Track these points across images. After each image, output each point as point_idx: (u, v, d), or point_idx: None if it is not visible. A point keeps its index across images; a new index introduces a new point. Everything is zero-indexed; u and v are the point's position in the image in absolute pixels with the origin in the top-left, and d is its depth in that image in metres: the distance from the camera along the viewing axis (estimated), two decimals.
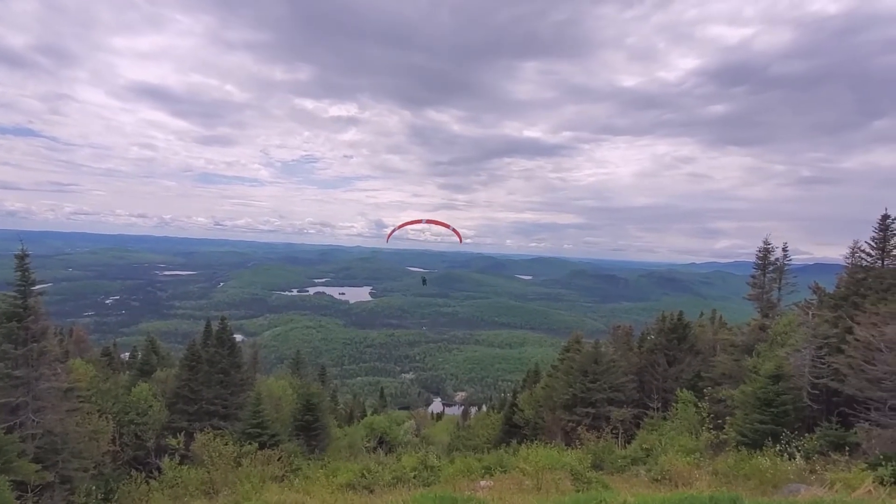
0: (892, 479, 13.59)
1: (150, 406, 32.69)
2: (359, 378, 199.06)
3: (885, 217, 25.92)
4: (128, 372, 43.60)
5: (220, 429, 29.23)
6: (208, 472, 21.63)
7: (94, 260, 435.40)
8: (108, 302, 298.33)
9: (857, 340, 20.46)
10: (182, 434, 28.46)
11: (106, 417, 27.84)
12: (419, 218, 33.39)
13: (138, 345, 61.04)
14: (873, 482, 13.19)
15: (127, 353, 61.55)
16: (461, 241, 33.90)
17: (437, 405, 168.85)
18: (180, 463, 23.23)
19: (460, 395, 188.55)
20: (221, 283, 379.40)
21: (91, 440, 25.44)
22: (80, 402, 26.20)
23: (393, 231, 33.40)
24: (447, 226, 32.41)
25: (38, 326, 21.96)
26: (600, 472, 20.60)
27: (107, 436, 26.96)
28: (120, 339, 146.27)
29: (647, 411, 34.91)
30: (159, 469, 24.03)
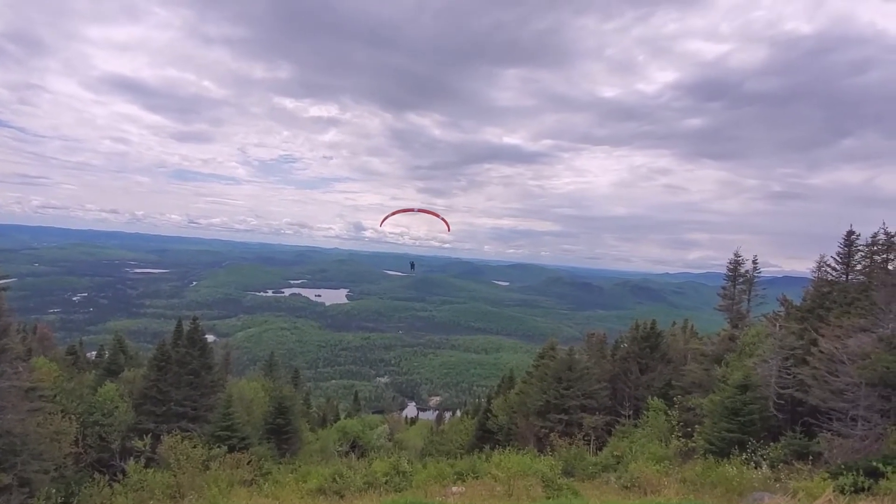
0: (852, 488, 13.99)
1: (117, 407, 31.86)
2: (333, 381, 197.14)
3: (850, 233, 26.83)
4: (94, 371, 42.50)
5: (188, 431, 28.65)
6: (175, 476, 21.16)
7: (61, 255, 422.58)
8: (75, 299, 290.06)
9: (822, 352, 21.03)
10: (149, 436, 27.81)
11: (69, 418, 27.00)
12: (411, 207, 34.71)
13: (105, 344, 59.45)
14: (834, 491, 13.54)
15: (93, 352, 59.97)
16: (449, 229, 35.31)
17: (411, 410, 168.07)
18: (146, 466, 22.69)
19: (435, 400, 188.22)
20: (194, 283, 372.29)
21: (53, 441, 24.65)
22: (43, 401, 25.42)
23: (387, 217, 34.74)
24: (437, 215, 33.83)
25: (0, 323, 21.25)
26: (571, 478, 20.77)
27: (69, 437, 26.15)
28: (86, 337, 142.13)
29: (618, 418, 35.30)
30: (124, 472, 23.41)
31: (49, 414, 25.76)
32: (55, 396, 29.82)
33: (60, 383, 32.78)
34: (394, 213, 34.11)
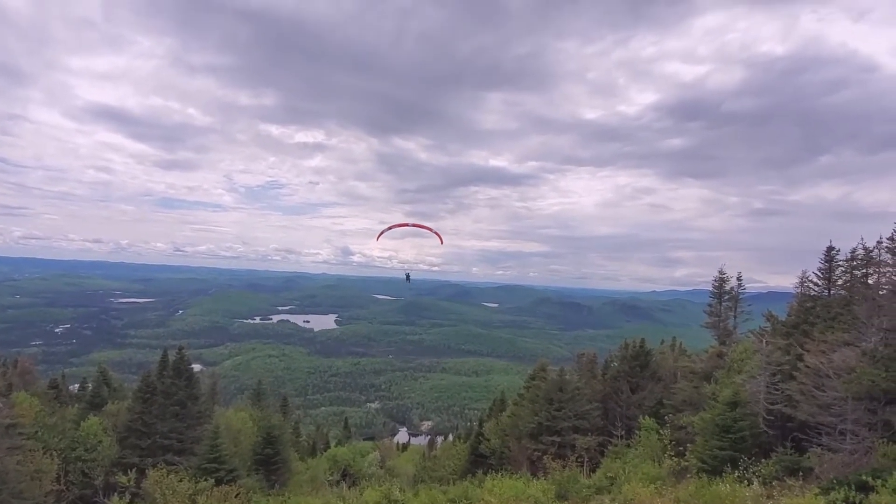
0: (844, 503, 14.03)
1: (100, 441, 31.13)
2: (323, 408, 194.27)
3: (830, 249, 27.37)
4: (77, 405, 41.52)
5: (174, 464, 28.07)
6: None
7: (44, 286, 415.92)
8: (57, 330, 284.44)
9: (808, 367, 21.26)
10: (133, 471, 27.13)
11: (51, 454, 26.39)
12: (405, 221, 36.55)
13: (89, 376, 58.17)
14: None
15: (76, 385, 58.66)
16: (442, 242, 37.98)
17: (402, 435, 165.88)
18: (130, 502, 22.15)
19: (426, 425, 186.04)
20: (180, 311, 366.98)
21: (33, 479, 24.04)
22: (24, 438, 24.80)
23: (382, 232, 35.68)
24: (430, 228, 36.08)
25: None
26: (565, 502, 20.58)
27: (51, 474, 25.52)
28: (69, 369, 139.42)
29: (611, 439, 35.14)
30: None
31: (30, 451, 25.16)
32: (36, 432, 29.12)
33: (42, 419, 32.02)
34: (390, 228, 35.67)
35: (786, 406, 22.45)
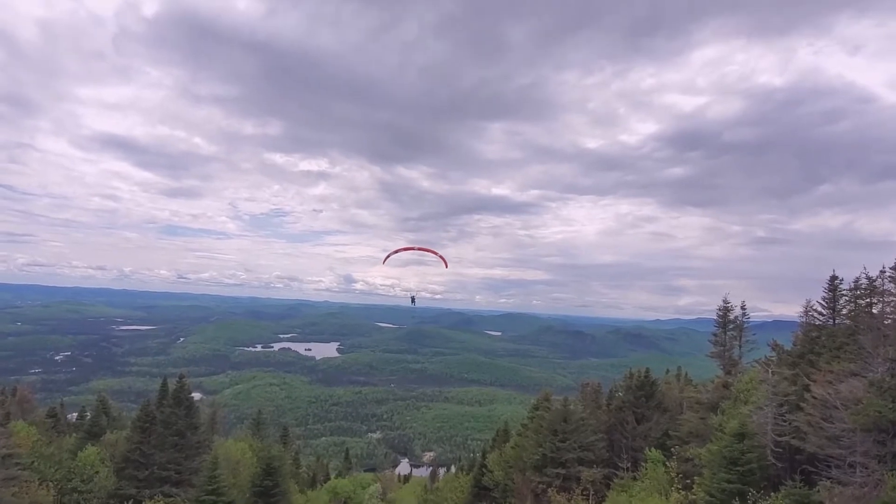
0: None
1: (97, 472, 30.77)
2: (323, 438, 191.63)
3: (834, 278, 27.35)
4: (74, 434, 41.14)
5: (172, 496, 27.67)
6: None
7: (46, 314, 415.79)
8: (57, 358, 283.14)
9: (815, 398, 20.98)
10: (130, 503, 26.70)
11: (47, 486, 26.01)
12: (411, 245, 37.75)
13: (88, 404, 57.68)
14: None
15: (75, 414, 58.18)
16: (447, 266, 38.77)
17: (404, 466, 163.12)
18: None
19: (428, 456, 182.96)
20: (182, 339, 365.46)
21: None
22: (20, 469, 24.49)
23: (388, 256, 36.72)
24: (435, 252, 36.92)
25: None
26: None
27: None
28: (68, 398, 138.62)
29: (616, 471, 34.48)
30: None
31: (25, 482, 24.82)
32: (32, 463, 28.80)
33: (39, 448, 31.72)
34: (397, 251, 36.58)
35: (794, 438, 22.07)
